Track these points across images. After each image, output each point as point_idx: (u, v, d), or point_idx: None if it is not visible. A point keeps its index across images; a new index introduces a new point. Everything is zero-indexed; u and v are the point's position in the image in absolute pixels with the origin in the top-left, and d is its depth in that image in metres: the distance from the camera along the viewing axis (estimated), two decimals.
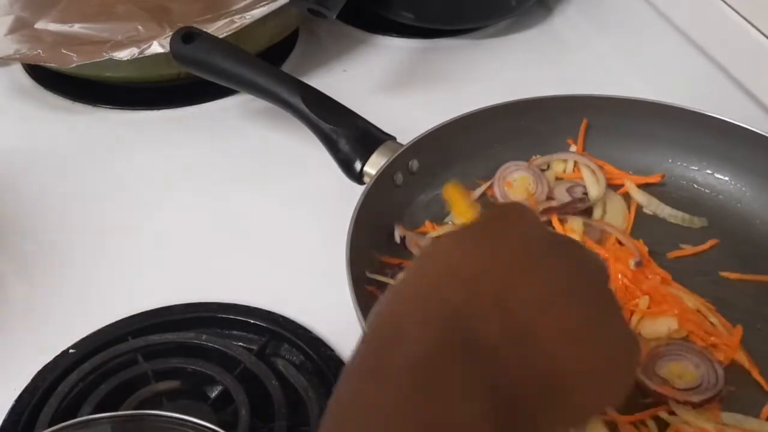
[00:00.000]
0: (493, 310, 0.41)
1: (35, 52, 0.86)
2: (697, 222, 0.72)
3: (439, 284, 0.43)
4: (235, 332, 0.67)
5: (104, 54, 0.84)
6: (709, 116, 0.73)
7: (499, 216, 0.48)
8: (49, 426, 0.57)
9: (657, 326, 0.64)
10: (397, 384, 0.39)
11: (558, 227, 0.70)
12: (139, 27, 0.92)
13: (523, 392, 0.40)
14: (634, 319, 0.64)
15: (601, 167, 0.75)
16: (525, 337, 0.41)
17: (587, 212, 0.72)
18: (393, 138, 0.72)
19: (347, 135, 0.72)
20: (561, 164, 0.76)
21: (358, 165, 0.71)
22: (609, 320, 0.45)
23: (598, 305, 0.45)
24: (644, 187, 0.75)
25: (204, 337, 0.65)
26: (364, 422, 0.38)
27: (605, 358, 0.43)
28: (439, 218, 0.72)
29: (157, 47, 0.83)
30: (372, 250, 0.67)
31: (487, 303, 0.41)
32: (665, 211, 0.73)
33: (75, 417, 0.58)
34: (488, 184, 0.74)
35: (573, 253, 0.46)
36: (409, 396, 0.38)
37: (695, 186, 0.75)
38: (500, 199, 0.73)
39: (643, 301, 0.65)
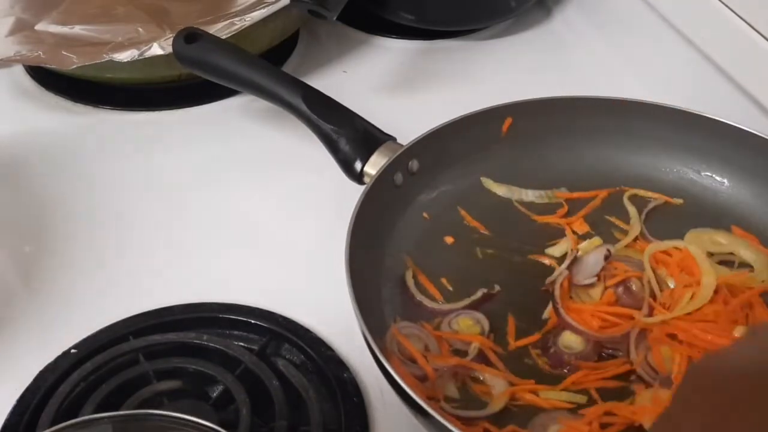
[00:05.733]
0: None
1: (36, 54, 0.87)
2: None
3: None
4: (235, 332, 0.67)
5: (104, 55, 0.84)
6: (708, 118, 0.73)
7: None
8: (51, 426, 0.57)
9: None
10: None
11: None
12: (140, 29, 0.92)
13: None
14: None
15: None
16: None
17: None
18: (393, 138, 0.73)
19: (348, 135, 0.72)
20: None
21: (358, 165, 0.71)
22: None
23: None
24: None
25: (205, 337, 0.65)
26: None
27: None
28: (438, 218, 0.72)
29: (157, 49, 0.83)
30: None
31: None
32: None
33: (76, 417, 0.58)
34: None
35: None
36: None
37: (694, 188, 0.75)
38: None
39: None
